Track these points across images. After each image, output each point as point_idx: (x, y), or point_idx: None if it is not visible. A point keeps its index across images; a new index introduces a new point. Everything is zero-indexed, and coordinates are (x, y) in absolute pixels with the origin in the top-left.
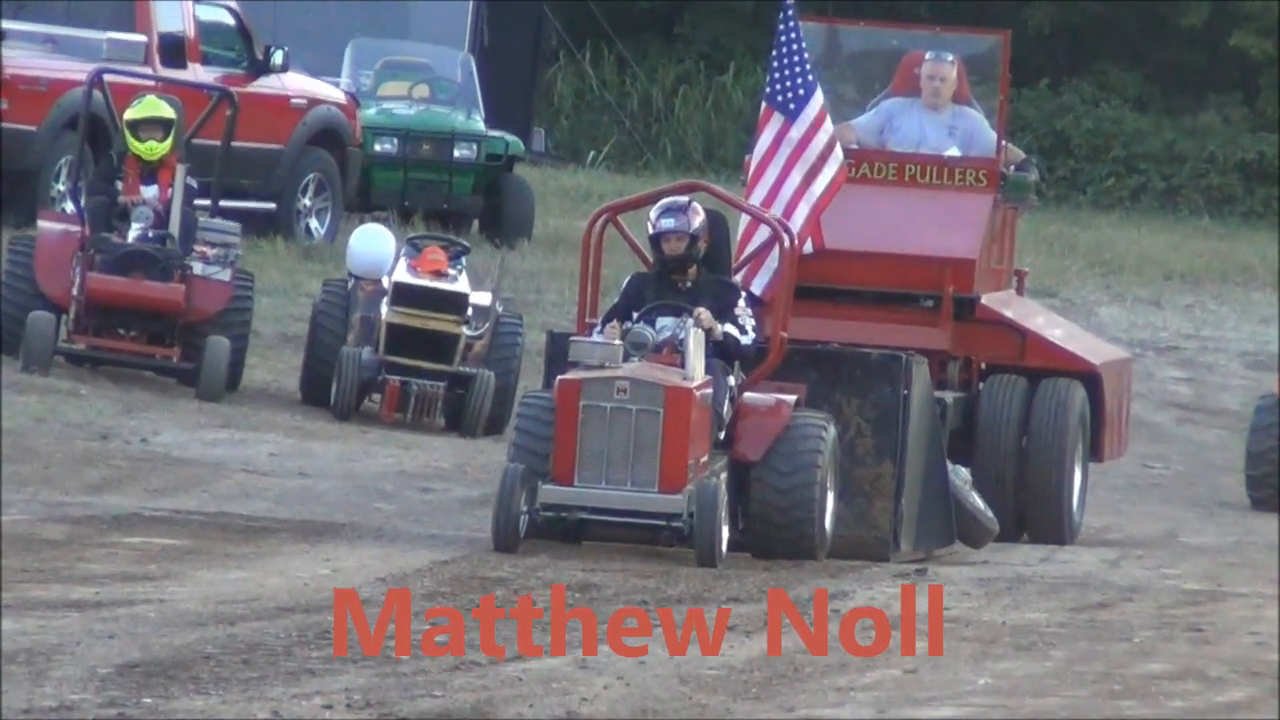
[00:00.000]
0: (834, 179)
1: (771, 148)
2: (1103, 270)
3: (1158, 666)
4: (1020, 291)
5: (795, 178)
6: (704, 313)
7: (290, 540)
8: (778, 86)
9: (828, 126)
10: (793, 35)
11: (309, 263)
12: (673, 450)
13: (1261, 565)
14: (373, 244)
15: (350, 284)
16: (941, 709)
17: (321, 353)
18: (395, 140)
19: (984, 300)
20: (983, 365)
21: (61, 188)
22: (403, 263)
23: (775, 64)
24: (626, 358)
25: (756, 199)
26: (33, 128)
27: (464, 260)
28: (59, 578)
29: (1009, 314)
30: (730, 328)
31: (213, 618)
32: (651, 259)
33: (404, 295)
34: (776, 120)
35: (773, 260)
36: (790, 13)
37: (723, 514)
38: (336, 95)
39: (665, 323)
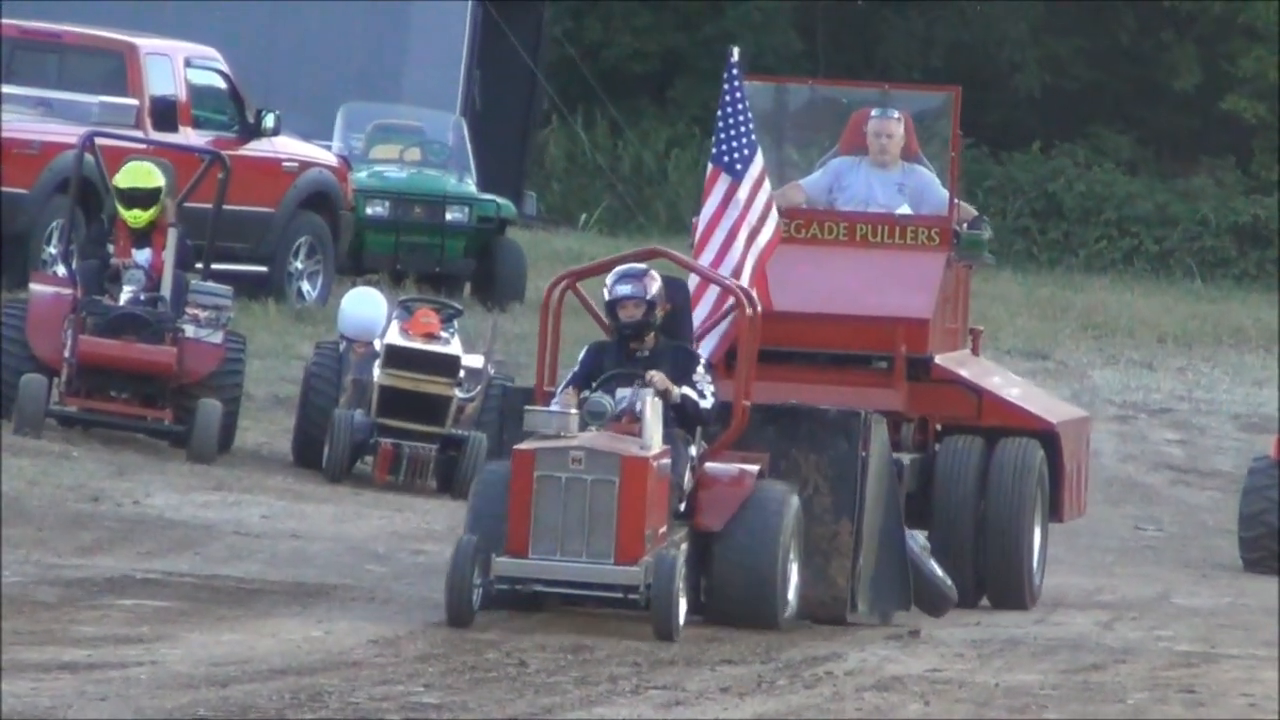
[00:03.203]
0: (771, 239)
1: (719, 209)
2: (1096, 333)
3: None
4: (975, 351)
5: (741, 238)
6: (656, 375)
7: (282, 602)
8: (723, 146)
9: (767, 186)
10: (737, 94)
11: (301, 325)
12: (629, 521)
13: (1255, 627)
14: (365, 306)
15: (342, 346)
16: None
17: (314, 415)
18: (387, 203)
19: (938, 360)
20: (938, 426)
21: (53, 250)
22: (395, 325)
23: (720, 123)
24: (584, 427)
25: (705, 260)
26: (24, 191)
27: (456, 323)
28: (52, 640)
29: (965, 373)
30: (688, 391)
31: (205, 680)
32: (609, 327)
33: (396, 358)
34: (724, 181)
35: (722, 324)
36: (735, 71)
37: (680, 585)
38: (328, 158)
39: (624, 392)
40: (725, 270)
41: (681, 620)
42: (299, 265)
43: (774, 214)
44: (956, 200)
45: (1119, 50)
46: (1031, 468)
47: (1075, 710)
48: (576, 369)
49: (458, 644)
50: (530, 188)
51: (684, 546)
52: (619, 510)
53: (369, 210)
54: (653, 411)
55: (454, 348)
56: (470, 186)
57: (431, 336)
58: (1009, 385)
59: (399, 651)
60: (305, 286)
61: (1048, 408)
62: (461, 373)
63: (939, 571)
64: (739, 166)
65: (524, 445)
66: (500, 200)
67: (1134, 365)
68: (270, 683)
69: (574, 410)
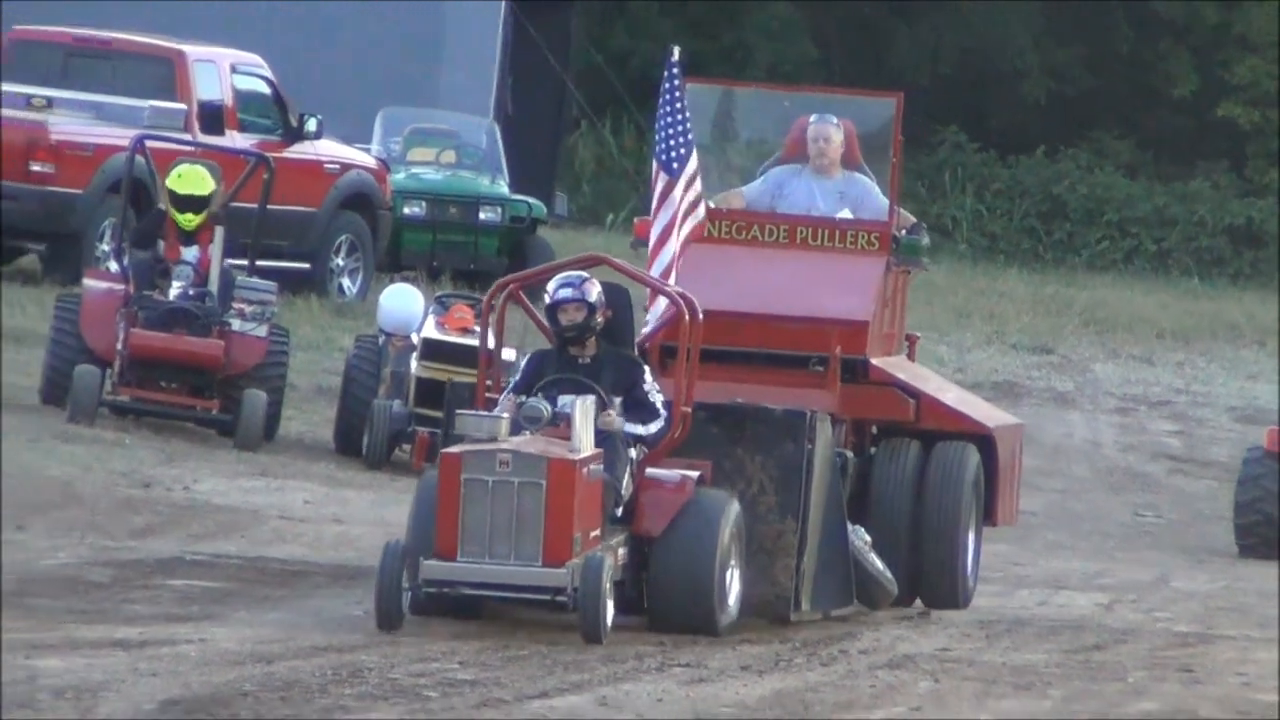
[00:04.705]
0: (691, 232)
1: (656, 208)
2: (1097, 329)
3: (1150, 706)
4: (912, 357)
5: (675, 238)
6: (611, 416)
7: (324, 584)
8: (662, 145)
9: (698, 185)
10: (676, 93)
11: (342, 320)
12: (556, 523)
13: (1249, 610)
14: (402, 302)
15: (381, 340)
16: None
17: (354, 405)
18: (424, 204)
19: (876, 363)
20: (874, 428)
21: (106, 248)
22: (431, 320)
23: (659, 121)
24: (518, 431)
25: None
26: (78, 191)
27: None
28: (105, 618)
29: (902, 376)
30: (637, 426)
31: (251, 657)
32: (550, 333)
33: (432, 351)
34: (662, 180)
35: (656, 310)
36: (674, 71)
37: (608, 587)
38: (368, 161)
39: (565, 399)
40: (657, 269)
41: (609, 623)
42: (340, 262)
43: (700, 210)
44: (896, 206)
45: (1119, 58)
46: (967, 471)
47: (1078, 688)
48: (518, 377)
49: (490, 624)
50: (560, 189)
51: (621, 550)
52: (546, 513)
53: (406, 210)
54: (582, 415)
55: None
56: (503, 188)
57: (466, 331)
58: (945, 390)
59: (434, 631)
60: (346, 283)
61: (985, 413)
62: None
63: (880, 565)
64: (675, 165)
65: (452, 449)
66: (531, 201)
67: (1134, 360)
68: (313, 659)
69: (505, 415)
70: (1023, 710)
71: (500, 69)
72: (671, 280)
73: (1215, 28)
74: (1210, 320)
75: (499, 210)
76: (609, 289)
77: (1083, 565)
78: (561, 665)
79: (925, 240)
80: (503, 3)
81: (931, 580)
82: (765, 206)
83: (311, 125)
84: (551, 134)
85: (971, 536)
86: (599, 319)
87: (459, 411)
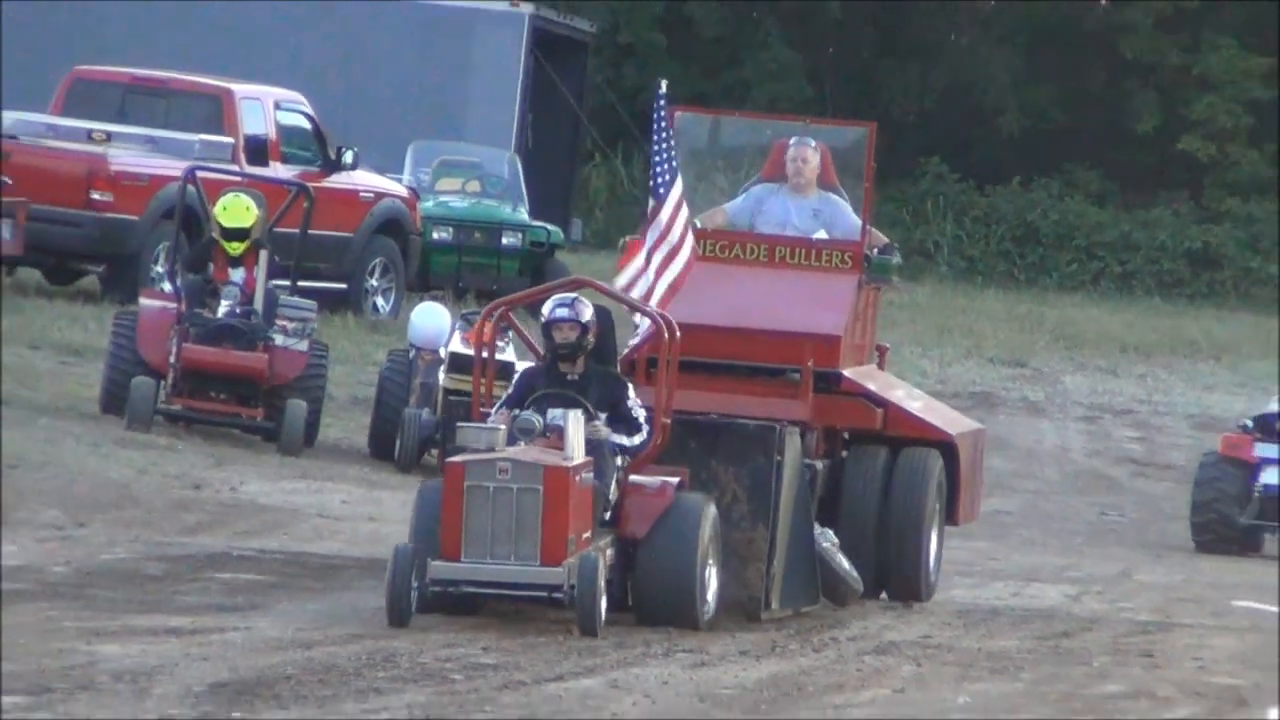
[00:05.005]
0: (685, 266)
1: (644, 227)
2: (1066, 344)
3: (1114, 687)
4: (882, 366)
5: (657, 258)
6: (598, 426)
7: (360, 576)
8: (655, 172)
9: (685, 210)
10: (662, 123)
11: (375, 335)
12: (553, 526)
13: (1205, 600)
14: (431, 319)
15: (411, 354)
16: None
17: (387, 414)
18: (450, 229)
19: (847, 374)
20: (846, 435)
21: (160, 269)
22: (457, 335)
23: (653, 149)
24: (513, 441)
25: (631, 276)
26: (135, 217)
27: (510, 334)
28: (159, 608)
29: (872, 387)
30: (621, 437)
31: (292, 643)
32: (543, 349)
33: (458, 364)
34: (652, 202)
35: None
36: (662, 102)
37: (601, 584)
38: (399, 190)
39: (555, 413)
40: (639, 290)
41: (603, 617)
42: (374, 283)
43: (689, 241)
44: (869, 226)
45: (1089, 96)
46: (931, 475)
47: (1047, 671)
48: (510, 392)
49: (510, 614)
50: (576, 216)
51: (609, 551)
52: (543, 516)
53: (435, 235)
54: (574, 426)
55: (509, 355)
56: (523, 215)
57: (487, 343)
58: (912, 399)
59: (460, 620)
60: (379, 301)
61: (947, 420)
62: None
63: (846, 565)
64: (661, 190)
65: (455, 458)
66: (550, 227)
67: (1100, 372)
68: (348, 646)
69: (503, 426)
70: (997, 692)
71: (521, 106)
72: (655, 298)
73: (1177, 69)
74: (1170, 336)
75: (520, 235)
76: (595, 310)
77: (1052, 560)
78: (575, 651)
79: (896, 259)
80: (523, 46)
81: (897, 575)
82: (746, 221)
83: (348, 157)
84: (568, 165)
85: (934, 535)
86: (590, 338)
87: (459, 424)
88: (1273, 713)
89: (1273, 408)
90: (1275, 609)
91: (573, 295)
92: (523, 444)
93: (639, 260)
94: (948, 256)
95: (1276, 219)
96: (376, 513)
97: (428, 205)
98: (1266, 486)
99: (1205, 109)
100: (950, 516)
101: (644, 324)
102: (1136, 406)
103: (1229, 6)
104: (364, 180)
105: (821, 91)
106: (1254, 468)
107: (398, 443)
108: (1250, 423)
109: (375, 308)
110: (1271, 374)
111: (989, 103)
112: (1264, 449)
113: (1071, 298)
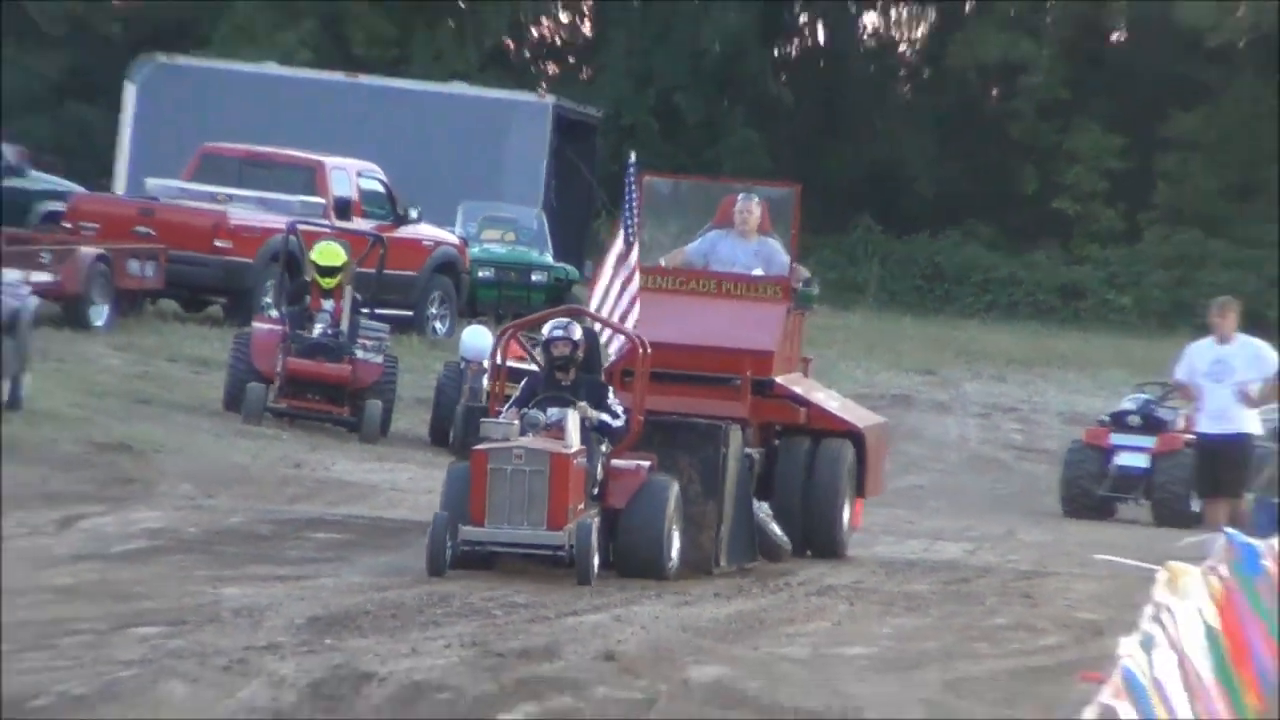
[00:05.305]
0: (635, 294)
1: (617, 265)
2: (968, 358)
3: (1001, 620)
4: (806, 374)
5: (630, 291)
6: (585, 406)
7: (424, 536)
8: (624, 222)
9: (635, 253)
10: (631, 185)
11: (434, 351)
12: (557, 499)
13: (1072, 554)
14: (477, 338)
15: (462, 365)
16: (856, 649)
17: (443, 411)
18: (492, 269)
19: (779, 381)
20: (778, 428)
21: (268, 300)
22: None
23: (624, 206)
24: (524, 433)
25: (611, 300)
26: (249, 260)
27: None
28: (268, 560)
29: (798, 391)
30: (605, 416)
31: (370, 587)
32: (542, 362)
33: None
34: (623, 245)
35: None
36: (631, 170)
37: (594, 545)
38: (453, 239)
39: (553, 411)
40: (619, 309)
41: (595, 570)
42: (433, 310)
43: (636, 277)
44: (795, 265)
45: (985, 167)
46: (844, 460)
47: (950, 609)
48: (518, 394)
49: (533, 570)
50: (588, 258)
51: (597, 520)
52: (549, 492)
53: (480, 274)
54: (573, 423)
55: (532, 366)
56: (548, 258)
57: (521, 359)
58: (830, 400)
59: (500, 568)
60: (437, 325)
61: (858, 416)
62: None
63: (778, 531)
64: (631, 238)
65: (480, 446)
66: (568, 267)
67: (992, 379)
68: (414, 589)
69: (516, 422)
70: (912, 625)
71: (546, 174)
72: (631, 319)
73: (1051, 146)
74: (1045, 352)
75: (546, 274)
76: (584, 331)
77: (954, 523)
78: (588, 593)
79: (815, 290)
80: (548, 127)
81: (818, 538)
82: (701, 258)
83: (414, 214)
84: (582, 220)
85: (847, 507)
86: (580, 353)
87: (483, 420)
88: (1123, 641)
89: (1124, 406)
90: (1126, 561)
91: (566, 319)
92: (531, 435)
93: (604, 283)
94: (874, 291)
95: (1125, 261)
96: (434, 487)
97: (475, 251)
98: (1120, 467)
99: (1073, 176)
100: (861, 490)
101: (616, 341)
102: (1020, 405)
103: (1092, 100)
104: (425, 232)
105: (777, 165)
106: (1109, 452)
107: (451, 433)
108: (1107, 418)
109: (434, 329)
110: (1123, 380)
111: (908, 172)
112: (1117, 438)
113: (970, 322)
